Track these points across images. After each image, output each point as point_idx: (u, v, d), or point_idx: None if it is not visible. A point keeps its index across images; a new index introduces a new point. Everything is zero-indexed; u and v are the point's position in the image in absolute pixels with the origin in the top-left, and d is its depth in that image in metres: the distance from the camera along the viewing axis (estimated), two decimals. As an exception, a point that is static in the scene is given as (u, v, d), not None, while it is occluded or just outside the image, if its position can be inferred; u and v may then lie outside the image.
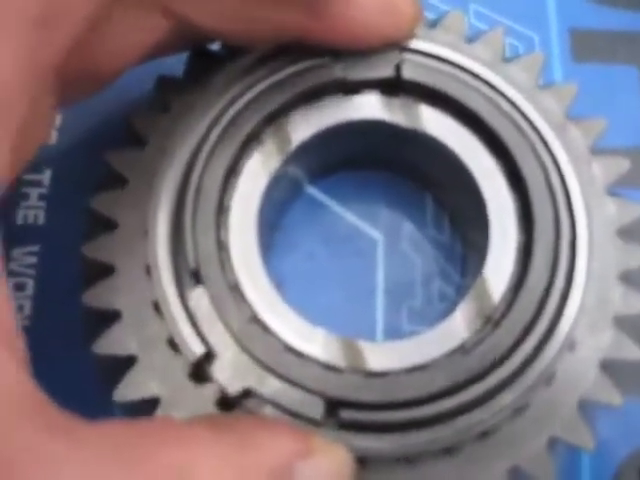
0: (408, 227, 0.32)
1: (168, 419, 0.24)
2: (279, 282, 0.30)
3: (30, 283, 0.31)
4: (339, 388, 0.24)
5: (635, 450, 0.30)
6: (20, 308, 0.30)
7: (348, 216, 0.32)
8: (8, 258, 0.31)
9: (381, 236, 0.32)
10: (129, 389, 0.25)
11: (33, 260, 0.31)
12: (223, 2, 0.25)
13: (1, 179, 0.19)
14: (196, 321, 0.25)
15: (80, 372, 0.29)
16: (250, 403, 0.24)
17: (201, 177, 0.26)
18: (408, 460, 0.24)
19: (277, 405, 0.24)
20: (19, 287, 0.31)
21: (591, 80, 0.35)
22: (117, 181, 0.28)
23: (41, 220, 0.32)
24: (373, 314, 0.31)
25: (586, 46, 0.36)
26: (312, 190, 0.33)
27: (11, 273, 0.31)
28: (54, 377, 0.27)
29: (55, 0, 0.19)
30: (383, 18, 0.27)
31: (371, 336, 0.31)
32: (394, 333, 0.31)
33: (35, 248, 0.32)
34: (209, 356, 0.25)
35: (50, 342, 0.29)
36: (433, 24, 0.30)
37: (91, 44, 0.23)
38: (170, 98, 0.28)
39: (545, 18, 0.36)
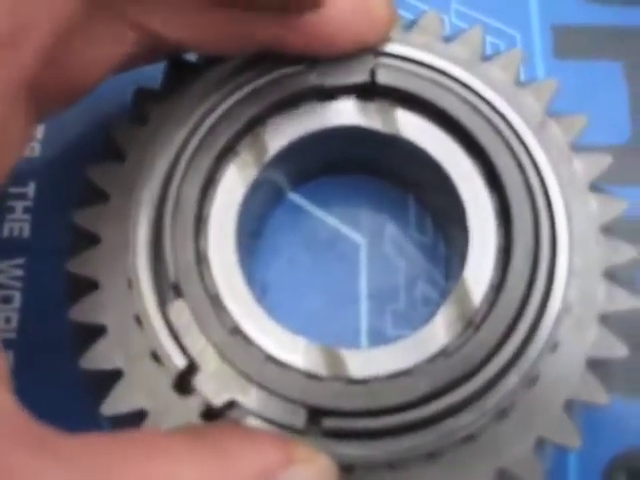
0: (391, 230, 0.32)
1: (149, 431, 0.24)
2: (262, 289, 0.30)
3: (17, 295, 0.31)
4: (321, 396, 0.24)
5: (623, 450, 0.30)
6: (7, 320, 0.31)
7: (330, 220, 0.32)
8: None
9: (364, 240, 0.32)
10: (116, 403, 0.26)
11: (19, 273, 0.32)
12: (190, 16, 0.25)
13: None
14: (177, 334, 0.25)
15: (67, 384, 0.29)
16: (234, 414, 0.24)
17: (179, 189, 0.26)
18: (393, 466, 0.24)
19: (260, 416, 0.24)
20: (6, 300, 0.31)
21: (574, 77, 0.34)
22: (99, 195, 0.28)
23: (26, 233, 0.32)
24: (357, 319, 0.31)
25: (568, 43, 0.35)
26: (293, 196, 0.33)
27: (-3, 286, 0.31)
28: (40, 389, 0.28)
29: (19, 16, 0.19)
30: (357, 22, 0.27)
31: (355, 341, 0.31)
32: (378, 337, 0.31)
33: (21, 261, 0.32)
34: (192, 368, 0.25)
35: (37, 354, 0.30)
36: (409, 25, 0.30)
37: (61, 58, 0.23)
38: (148, 110, 0.28)
39: (527, 15, 0.36)
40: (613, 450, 0.30)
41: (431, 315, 0.30)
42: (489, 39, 0.35)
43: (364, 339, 0.31)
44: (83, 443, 0.20)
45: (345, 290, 0.32)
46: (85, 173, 0.28)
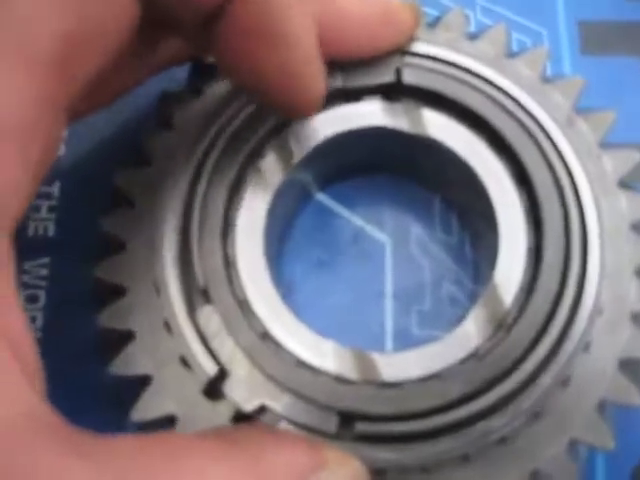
0: (416, 230, 0.32)
1: (180, 433, 0.24)
2: (288, 288, 0.30)
3: (42, 295, 0.31)
4: (353, 401, 0.24)
5: None
6: (33, 320, 0.31)
7: (355, 220, 0.32)
8: (20, 271, 0.31)
9: (389, 239, 0.32)
10: (145, 409, 0.25)
11: (44, 272, 0.32)
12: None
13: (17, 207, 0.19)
14: (207, 339, 0.25)
15: (92, 385, 0.29)
16: (265, 418, 0.24)
17: (205, 195, 0.26)
18: (426, 469, 0.24)
19: (291, 420, 0.24)
20: (31, 299, 0.31)
21: (601, 73, 0.34)
22: (125, 201, 0.28)
23: (51, 232, 0.32)
24: (382, 318, 0.31)
25: (595, 39, 0.35)
26: (319, 196, 0.33)
27: (23, 285, 0.31)
28: (66, 389, 0.28)
29: (77, 36, 0.19)
30: (383, 29, 0.27)
31: (380, 341, 0.31)
32: (404, 338, 0.31)
33: (46, 260, 0.32)
34: (222, 374, 0.25)
35: (62, 353, 0.30)
36: (433, 23, 0.30)
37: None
38: (173, 114, 0.28)
39: (553, 12, 0.35)
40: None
41: (457, 315, 0.30)
42: (515, 36, 0.35)
43: (389, 339, 0.31)
44: (114, 444, 0.19)
45: (370, 290, 0.31)
46: (112, 179, 0.28)
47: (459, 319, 0.29)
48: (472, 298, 0.31)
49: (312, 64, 0.23)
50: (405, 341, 0.30)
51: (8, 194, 0.18)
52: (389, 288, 0.31)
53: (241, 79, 0.24)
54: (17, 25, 0.17)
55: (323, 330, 0.27)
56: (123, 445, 0.19)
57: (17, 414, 0.18)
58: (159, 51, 0.27)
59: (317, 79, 0.24)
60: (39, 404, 0.19)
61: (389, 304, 0.31)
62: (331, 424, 0.24)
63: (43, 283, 0.31)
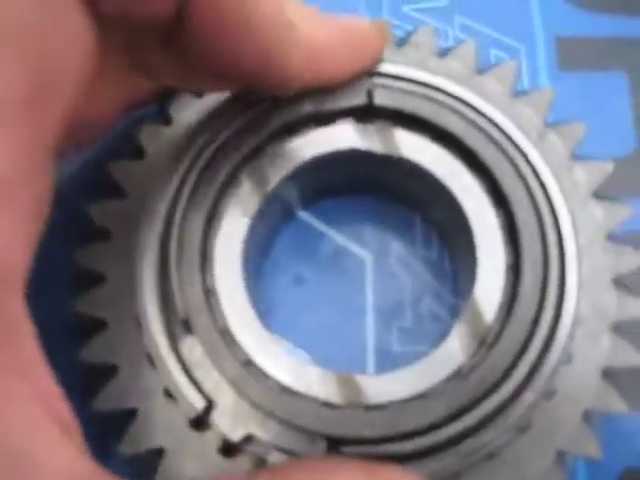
0: (396, 246, 0.32)
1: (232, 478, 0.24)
2: (268, 305, 0.30)
3: None
4: (339, 425, 0.24)
5: (633, 464, 0.29)
6: None
7: (335, 237, 0.32)
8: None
9: (369, 255, 0.32)
10: (133, 442, 0.25)
11: None
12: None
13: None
14: (190, 370, 0.25)
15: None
16: (252, 447, 0.24)
17: (182, 225, 0.26)
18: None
19: (279, 447, 0.24)
20: None
21: (578, 88, 0.34)
22: (101, 233, 0.28)
23: None
24: (363, 335, 0.31)
25: (572, 54, 0.35)
26: (299, 213, 0.33)
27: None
28: None
29: (44, 74, 0.18)
30: (350, 55, 0.26)
31: (362, 357, 0.31)
32: (385, 354, 0.31)
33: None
34: (208, 405, 0.25)
35: None
36: (402, 41, 0.30)
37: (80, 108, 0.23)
38: (145, 143, 0.28)
39: (530, 28, 0.36)
40: (623, 464, 0.29)
41: (438, 331, 0.30)
42: (493, 52, 0.35)
43: (371, 356, 0.31)
44: None
45: (351, 306, 0.31)
46: (86, 211, 0.28)
47: (440, 335, 0.29)
48: (453, 313, 0.31)
49: (287, 38, 0.23)
50: (386, 357, 0.31)
51: (11, 263, 0.18)
52: (370, 304, 0.31)
53: (217, 79, 0.24)
54: None
55: (303, 347, 0.27)
56: None
57: (61, 473, 0.18)
58: (135, 89, 0.26)
59: (296, 51, 0.24)
60: (83, 461, 0.19)
61: (370, 320, 0.31)
62: (319, 449, 0.24)
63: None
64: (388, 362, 0.30)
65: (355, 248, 0.32)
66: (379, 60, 0.28)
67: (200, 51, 0.22)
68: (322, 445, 0.24)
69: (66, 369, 0.29)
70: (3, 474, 0.17)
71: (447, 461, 0.24)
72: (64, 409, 0.20)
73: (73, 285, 0.28)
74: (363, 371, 0.30)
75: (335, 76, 0.27)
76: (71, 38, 0.18)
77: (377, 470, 0.22)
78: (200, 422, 0.25)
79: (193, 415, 0.24)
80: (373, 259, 0.32)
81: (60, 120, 0.19)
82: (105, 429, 0.28)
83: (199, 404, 0.24)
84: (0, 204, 0.17)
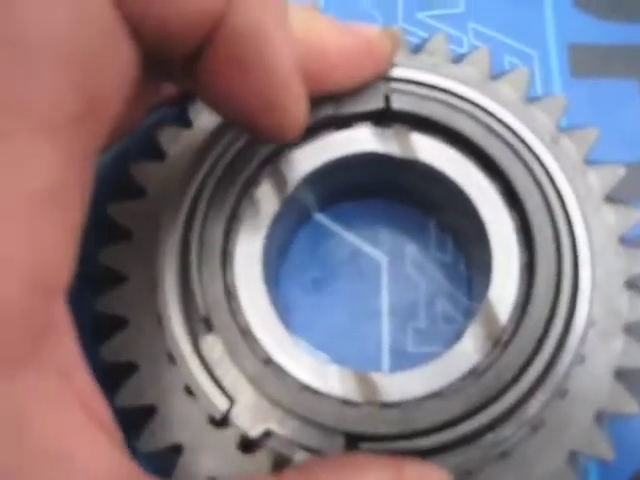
0: (411, 249, 0.33)
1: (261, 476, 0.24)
2: (285, 307, 0.31)
3: None
4: (357, 422, 0.25)
5: None
6: None
7: (351, 239, 0.33)
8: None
9: (385, 258, 0.33)
10: (152, 439, 0.26)
11: None
12: None
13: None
14: (211, 368, 0.25)
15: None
16: (272, 443, 0.25)
17: (203, 226, 0.27)
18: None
19: (297, 444, 0.24)
20: None
21: (590, 95, 0.35)
22: (122, 233, 0.28)
23: None
24: (379, 336, 0.32)
25: (585, 61, 0.36)
26: (315, 215, 0.33)
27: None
28: None
29: (90, 91, 0.19)
30: (364, 59, 0.27)
31: (377, 358, 0.31)
32: (400, 355, 0.31)
33: None
34: (228, 402, 0.25)
35: None
36: (417, 48, 0.30)
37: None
38: (167, 145, 0.29)
39: (543, 35, 0.36)
40: (635, 465, 0.30)
41: (452, 332, 0.31)
42: (507, 58, 0.36)
43: (385, 356, 0.31)
44: None
45: (366, 308, 0.32)
46: (107, 211, 0.29)
47: (454, 336, 0.30)
48: (467, 315, 0.31)
49: (290, 89, 0.24)
50: (401, 358, 0.31)
51: (57, 267, 0.19)
52: (385, 306, 0.32)
53: (223, 109, 0.25)
54: (36, 103, 0.18)
55: (320, 348, 0.27)
56: None
57: (102, 473, 0.18)
58: (159, 91, 0.27)
59: (295, 104, 0.24)
60: (122, 461, 0.19)
61: (385, 322, 0.32)
62: (337, 446, 0.24)
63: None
64: (403, 362, 0.31)
65: (370, 250, 0.33)
66: (390, 66, 0.28)
67: (209, 81, 0.23)
68: (340, 441, 0.24)
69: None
70: (46, 477, 0.17)
71: (460, 459, 0.25)
72: (104, 410, 0.20)
73: (94, 285, 0.29)
74: (378, 369, 0.31)
75: (349, 81, 0.27)
76: (119, 63, 0.20)
77: (403, 465, 0.23)
78: (220, 419, 0.25)
79: (214, 413, 0.25)
80: (388, 261, 0.33)
81: (104, 135, 0.20)
82: (125, 426, 0.29)
83: (219, 402, 0.25)
84: (52, 213, 0.18)
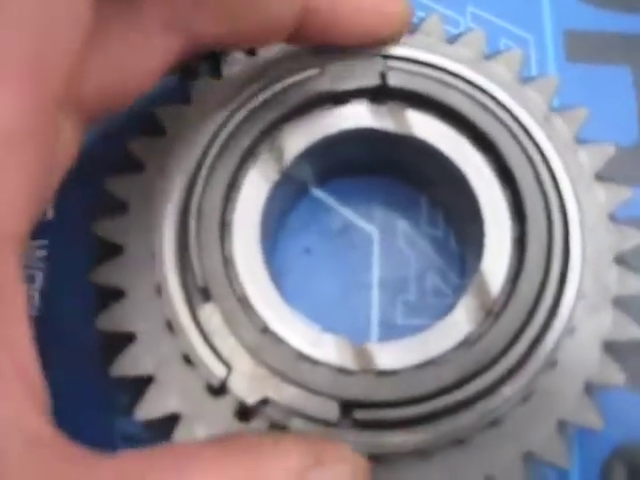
0: (403, 223, 0.33)
1: (177, 445, 0.24)
2: (277, 275, 0.31)
3: (40, 276, 0.32)
4: (352, 390, 0.25)
5: (624, 442, 0.30)
6: (29, 299, 0.31)
7: (344, 212, 0.33)
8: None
9: (377, 231, 0.33)
10: (149, 408, 0.26)
11: (43, 253, 0.32)
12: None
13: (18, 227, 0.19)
14: (209, 336, 0.26)
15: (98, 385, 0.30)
16: (268, 411, 0.25)
17: (202, 196, 0.27)
18: (423, 453, 0.25)
19: (294, 411, 0.25)
20: (29, 279, 0.32)
21: (584, 80, 0.36)
22: (119, 206, 0.29)
23: (50, 215, 0.33)
24: (368, 308, 0.32)
25: (580, 47, 0.36)
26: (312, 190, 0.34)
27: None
28: (63, 370, 0.28)
29: (42, 30, 0.19)
30: (372, 18, 0.28)
31: (366, 329, 0.32)
32: (389, 327, 0.32)
33: (44, 242, 0.32)
34: (226, 371, 0.25)
35: (58, 331, 0.31)
36: (413, 29, 0.31)
37: (98, 71, 0.24)
38: (165, 120, 0.29)
39: (540, 20, 0.37)
40: (614, 441, 0.30)
41: (441, 306, 0.31)
42: (503, 41, 0.36)
43: (375, 327, 0.32)
44: (122, 464, 0.20)
45: (357, 279, 0.33)
46: (104, 185, 0.29)
47: (443, 310, 0.30)
48: (456, 289, 0.32)
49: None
50: (390, 330, 0.32)
51: (9, 213, 0.18)
52: (375, 278, 0.33)
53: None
54: None
55: (310, 317, 0.28)
56: (130, 464, 0.20)
57: (20, 442, 0.18)
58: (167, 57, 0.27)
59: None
60: (41, 428, 0.19)
61: (375, 294, 0.32)
62: (333, 413, 0.25)
63: (41, 265, 0.32)
64: (391, 334, 0.31)
65: (363, 224, 0.33)
66: (401, 31, 0.29)
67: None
68: (335, 408, 0.25)
69: (84, 338, 0.30)
70: None
71: (452, 426, 0.25)
72: (33, 369, 0.20)
73: (92, 256, 0.29)
74: (367, 341, 0.31)
75: (360, 38, 0.28)
76: (72, 13, 0.20)
77: (324, 449, 0.23)
78: (218, 387, 0.25)
79: (212, 381, 0.25)
80: (380, 235, 0.33)
81: (62, 73, 0.20)
82: (122, 394, 0.29)
83: (217, 369, 0.25)
84: (5, 157, 0.18)
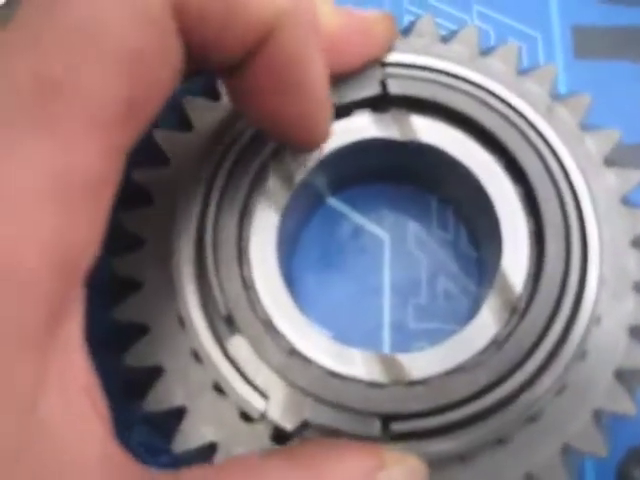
0: (414, 227, 0.33)
1: (241, 458, 0.25)
2: (289, 280, 0.31)
3: None
4: (386, 403, 0.25)
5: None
6: None
7: (355, 217, 0.34)
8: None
9: (387, 235, 0.33)
10: (185, 439, 0.26)
11: None
12: None
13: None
14: (240, 366, 0.26)
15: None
16: (309, 433, 0.25)
17: (215, 223, 0.27)
18: (463, 457, 0.25)
19: (333, 430, 0.25)
20: None
21: (594, 77, 0.36)
22: (133, 240, 0.28)
23: None
24: (380, 312, 0.32)
25: (588, 44, 0.36)
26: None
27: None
28: None
29: (139, 89, 0.19)
30: (362, 42, 0.27)
31: (378, 333, 0.32)
32: (400, 330, 0.32)
33: None
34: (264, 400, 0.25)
35: None
36: (406, 31, 0.31)
37: None
38: (194, 116, 0.29)
39: (547, 17, 0.37)
40: (630, 440, 0.31)
41: (452, 309, 0.32)
42: (510, 40, 0.36)
43: (386, 331, 0.32)
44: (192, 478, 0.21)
45: (369, 284, 0.33)
46: (117, 220, 0.29)
47: (454, 312, 0.31)
48: (466, 292, 0.32)
49: (324, 107, 0.24)
50: (402, 333, 0.32)
51: (83, 252, 0.19)
52: (387, 282, 0.33)
53: (255, 119, 0.25)
54: (84, 93, 0.18)
55: (322, 323, 0.28)
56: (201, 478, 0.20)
57: (92, 455, 0.19)
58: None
59: (327, 119, 0.25)
60: (111, 445, 0.20)
61: (387, 298, 0.33)
62: (375, 428, 0.25)
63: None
64: (403, 338, 0.32)
65: (374, 229, 0.33)
66: (389, 49, 0.29)
67: (249, 94, 0.23)
68: (376, 422, 0.25)
69: (107, 374, 0.30)
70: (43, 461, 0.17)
71: (489, 428, 0.25)
72: (103, 403, 0.20)
73: (109, 292, 0.29)
74: (379, 345, 0.32)
75: (350, 63, 0.28)
76: (168, 66, 0.20)
77: (383, 452, 0.23)
78: (259, 418, 0.25)
79: (251, 412, 0.25)
80: (391, 239, 0.33)
81: (141, 132, 0.20)
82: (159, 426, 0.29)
83: (255, 401, 0.25)
84: (87, 202, 0.19)
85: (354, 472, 0.22)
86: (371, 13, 0.28)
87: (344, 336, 0.28)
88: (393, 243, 0.33)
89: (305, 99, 0.23)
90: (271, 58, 0.22)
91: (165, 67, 0.20)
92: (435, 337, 0.31)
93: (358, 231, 0.33)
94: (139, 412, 0.27)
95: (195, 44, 0.21)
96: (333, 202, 0.34)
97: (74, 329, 0.20)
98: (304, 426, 0.25)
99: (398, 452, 0.24)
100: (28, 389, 0.17)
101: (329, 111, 0.25)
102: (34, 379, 0.18)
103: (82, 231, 0.19)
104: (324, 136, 0.26)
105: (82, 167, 0.18)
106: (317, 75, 0.23)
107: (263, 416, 0.25)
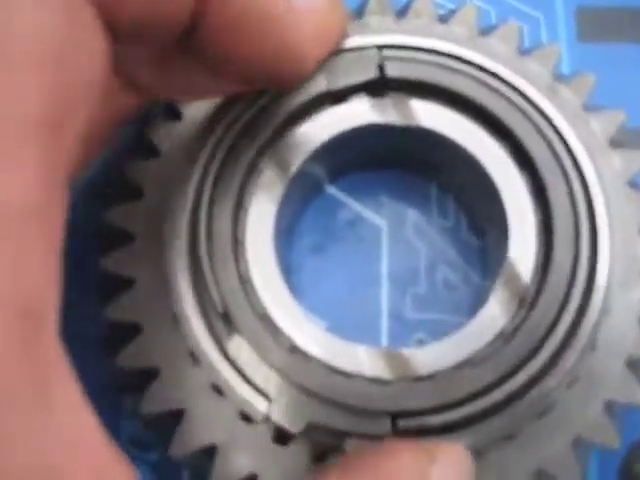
0: (412, 214, 0.32)
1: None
2: (285, 270, 0.30)
3: None
4: (392, 400, 0.24)
5: None
6: None
7: (352, 205, 0.33)
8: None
9: (385, 223, 0.32)
10: (185, 443, 0.25)
11: None
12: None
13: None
14: (240, 368, 0.25)
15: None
16: (316, 435, 0.24)
17: (209, 218, 0.26)
18: (477, 452, 0.24)
19: (343, 431, 0.24)
20: None
21: (598, 59, 0.34)
22: (123, 236, 0.27)
23: None
24: (378, 301, 0.31)
25: (592, 25, 0.35)
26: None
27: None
28: None
29: (62, 101, 0.17)
30: (318, 37, 0.25)
31: (376, 323, 0.31)
32: (398, 320, 0.31)
33: None
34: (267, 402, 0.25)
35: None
36: (403, 10, 0.30)
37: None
38: (157, 140, 0.28)
39: None
40: (633, 436, 0.30)
41: (451, 299, 0.31)
42: (512, 21, 0.34)
43: (384, 321, 0.31)
44: None
45: (366, 273, 0.32)
46: (104, 216, 0.28)
47: (454, 302, 0.31)
48: (466, 281, 0.31)
49: (298, 25, 0.23)
50: (400, 323, 0.31)
51: (44, 295, 0.16)
52: (385, 271, 0.32)
53: (235, 76, 0.24)
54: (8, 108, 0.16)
55: (319, 313, 0.28)
56: None
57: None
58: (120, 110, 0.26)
59: (311, 36, 0.24)
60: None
61: (385, 287, 0.32)
62: (385, 426, 0.24)
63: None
64: (401, 328, 0.31)
65: (371, 216, 0.32)
66: (342, 38, 0.27)
67: (215, 54, 0.22)
68: (386, 420, 0.24)
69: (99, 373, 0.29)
70: None
71: (499, 424, 0.24)
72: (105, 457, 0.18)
73: (98, 291, 0.28)
74: (376, 335, 0.31)
75: (308, 56, 0.25)
76: (89, 60, 0.18)
77: (434, 447, 0.23)
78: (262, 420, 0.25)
79: (254, 415, 0.24)
80: (389, 227, 0.32)
81: (75, 143, 0.18)
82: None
83: (257, 403, 0.24)
84: (31, 235, 0.16)
85: (410, 471, 0.22)
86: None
87: (341, 326, 0.28)
88: (391, 231, 0.32)
89: (274, 27, 0.22)
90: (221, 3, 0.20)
91: (88, 56, 0.18)
92: (434, 328, 0.31)
93: (355, 219, 0.32)
94: (136, 412, 0.26)
95: (125, 23, 0.19)
96: (330, 190, 0.33)
97: (67, 385, 0.17)
98: (310, 428, 0.24)
99: (443, 443, 0.23)
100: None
101: (314, 28, 0.24)
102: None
103: (35, 268, 0.16)
104: (306, 67, 0.24)
105: (17, 193, 0.15)
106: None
107: (266, 418, 0.24)
